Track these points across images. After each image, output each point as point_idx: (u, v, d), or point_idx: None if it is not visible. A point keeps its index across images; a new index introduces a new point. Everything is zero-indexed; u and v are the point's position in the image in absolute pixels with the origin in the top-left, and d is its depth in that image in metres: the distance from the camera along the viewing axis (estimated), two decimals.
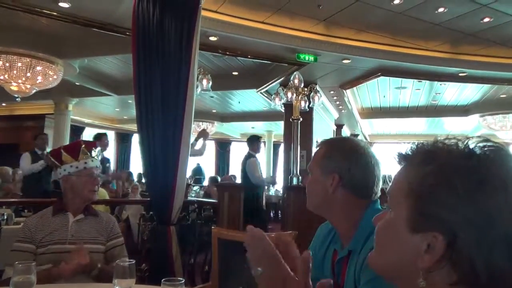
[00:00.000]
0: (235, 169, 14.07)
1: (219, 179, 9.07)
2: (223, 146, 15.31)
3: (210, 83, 5.05)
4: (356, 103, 9.57)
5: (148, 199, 3.45)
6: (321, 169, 1.29)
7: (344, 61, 6.18)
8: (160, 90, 3.10)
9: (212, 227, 2.30)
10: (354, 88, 7.97)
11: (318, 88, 6.88)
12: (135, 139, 12.98)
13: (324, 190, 1.26)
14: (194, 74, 3.18)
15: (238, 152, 14.40)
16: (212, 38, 5.34)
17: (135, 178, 9.49)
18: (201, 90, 5.00)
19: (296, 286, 0.71)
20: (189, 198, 5.79)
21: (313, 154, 1.42)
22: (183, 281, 1.27)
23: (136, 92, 3.16)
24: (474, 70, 6.51)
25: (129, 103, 9.74)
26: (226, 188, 4.21)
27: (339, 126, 11.04)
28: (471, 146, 0.64)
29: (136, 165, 12.59)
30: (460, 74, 6.75)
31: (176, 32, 3.12)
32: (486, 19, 5.08)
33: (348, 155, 1.25)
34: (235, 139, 14.83)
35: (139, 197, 6.15)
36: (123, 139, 13.92)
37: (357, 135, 12.68)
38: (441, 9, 4.86)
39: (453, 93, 8.48)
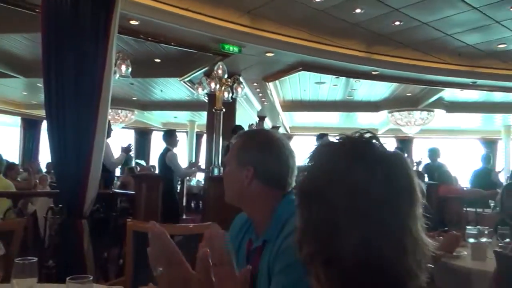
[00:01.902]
0: (156, 160, 13.70)
1: (138, 169, 8.74)
2: (143, 135, 14.75)
3: (130, 69, 4.82)
4: (278, 95, 9.79)
5: (58, 191, 3.20)
6: (237, 161, 1.29)
7: (268, 54, 6.28)
8: (73, 74, 2.88)
9: (128, 220, 2.20)
10: (277, 81, 8.15)
11: (241, 80, 6.91)
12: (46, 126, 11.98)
13: (239, 182, 1.27)
14: (111, 58, 3.00)
15: (159, 142, 13.99)
16: (133, 22, 5.09)
17: (44, 169, 8.77)
18: (119, 76, 4.75)
19: (197, 285, 0.69)
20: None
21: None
22: (91, 278, 1.19)
23: (45, 75, 2.90)
24: (385, 69, 7.00)
25: (38, 87, 8.92)
26: (143, 179, 4.05)
27: (261, 118, 11.23)
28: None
29: (46, 155, 11.65)
30: (373, 73, 7.22)
31: (92, 12, 2.91)
32: (397, 22, 5.48)
33: (262, 148, 1.27)
34: (156, 128, 14.37)
35: (48, 189, 5.70)
36: (31, 125, 12.75)
37: (278, 127, 13.01)
38: (358, 10, 5.14)
39: (366, 89, 9.06)
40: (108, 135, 4.84)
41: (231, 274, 0.73)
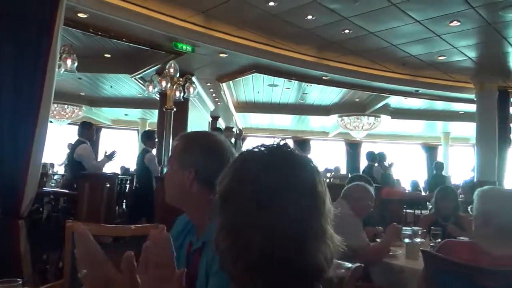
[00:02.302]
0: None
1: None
2: None
3: (76, 63, 4.64)
4: (232, 96, 9.82)
5: None
6: (179, 163, 1.30)
7: (221, 55, 6.28)
8: (12, 65, 2.72)
9: (68, 221, 2.13)
10: (231, 82, 8.17)
11: (194, 79, 6.87)
12: None
13: (181, 184, 1.28)
14: (56, 51, 2.87)
15: (108, 139, 13.54)
16: (81, 15, 4.90)
17: None
18: (65, 70, 4.56)
19: (120, 286, 0.70)
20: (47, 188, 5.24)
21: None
22: (19, 282, 1.15)
23: None
24: (335, 75, 7.24)
25: None
26: (87, 179, 3.90)
27: (214, 118, 11.20)
28: None
29: None
30: (324, 78, 7.44)
31: (36, 1, 2.78)
32: (347, 31, 5.68)
33: (205, 150, 1.28)
34: (105, 125, 13.88)
35: None
36: None
37: (231, 128, 13.02)
38: (309, 17, 5.27)
39: (318, 94, 9.31)
40: (90, 138, 4.95)
41: (172, 276, 0.75)
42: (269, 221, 0.66)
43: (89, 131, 4.98)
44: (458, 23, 5.24)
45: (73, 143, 5.01)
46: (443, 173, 7.49)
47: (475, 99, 7.59)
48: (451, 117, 10.88)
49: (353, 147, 14.13)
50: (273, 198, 0.67)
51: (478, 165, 7.31)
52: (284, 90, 9.10)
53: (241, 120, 13.18)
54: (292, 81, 7.99)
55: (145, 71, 6.93)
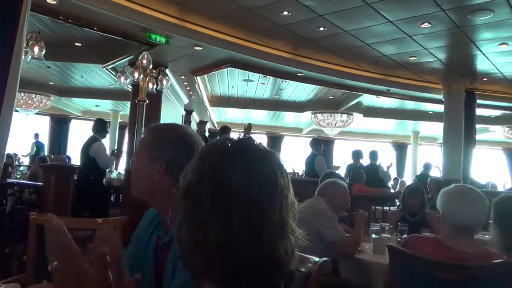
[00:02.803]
0: (74, 150, 12.87)
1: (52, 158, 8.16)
2: (60, 123, 13.77)
3: (44, 51, 4.48)
4: (207, 90, 9.74)
5: None
6: (148, 156, 1.27)
7: (196, 48, 6.21)
8: None
9: (32, 213, 2.06)
10: (205, 75, 8.10)
11: (168, 72, 6.77)
12: None
13: (150, 177, 1.25)
14: (22, 37, 2.78)
15: (78, 131, 13.19)
16: (50, 1, 4.73)
17: None
18: (32, 57, 4.40)
19: (90, 280, 0.69)
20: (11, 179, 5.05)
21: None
22: None
23: None
24: (310, 72, 7.29)
25: None
26: (53, 170, 3.78)
27: (188, 112, 11.09)
28: None
29: None
30: (299, 74, 7.48)
31: None
32: (322, 28, 5.73)
33: (176, 143, 1.26)
34: (75, 116, 13.50)
35: None
36: None
37: (206, 122, 12.94)
38: (285, 12, 5.28)
39: (293, 90, 9.36)
40: (103, 135, 5.09)
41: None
42: (228, 214, 0.67)
43: (103, 128, 5.15)
44: (429, 25, 5.37)
45: (87, 139, 5.09)
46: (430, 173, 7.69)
47: (443, 99, 7.82)
48: (421, 117, 11.18)
49: (325, 143, 14.31)
50: (233, 191, 0.68)
51: (445, 164, 7.55)
52: (259, 86, 9.10)
53: (216, 115, 13.11)
54: (267, 76, 8.00)
55: (117, 61, 6.77)
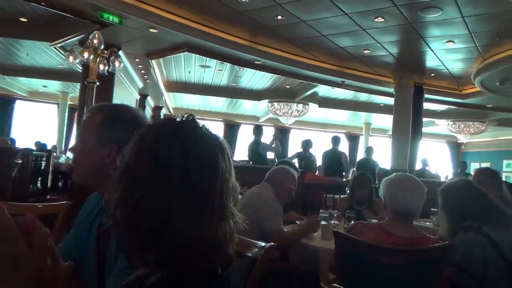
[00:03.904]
0: (20, 132, 12.17)
1: None
2: (4, 104, 12.94)
3: None
4: (162, 75, 9.51)
5: None
6: (97, 138, 1.20)
7: (151, 30, 6.02)
8: None
9: None
10: (161, 59, 7.89)
11: (121, 53, 6.53)
12: None
13: (99, 161, 1.19)
14: None
15: (24, 112, 12.46)
16: None
17: None
18: None
19: (29, 264, 0.66)
20: None
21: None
22: None
23: None
24: (267, 60, 7.30)
25: None
26: None
27: (143, 96, 10.79)
28: None
29: None
30: (256, 62, 7.47)
31: None
32: (279, 17, 5.73)
33: (130, 124, 1.17)
34: (21, 97, 12.73)
35: None
36: None
37: (161, 107, 12.67)
38: None
39: (250, 78, 9.35)
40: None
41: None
42: (165, 196, 0.65)
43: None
44: (382, 19, 5.53)
45: None
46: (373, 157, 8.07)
47: (393, 93, 8.13)
48: (373, 109, 11.56)
49: (282, 133, 14.48)
50: (171, 173, 0.66)
51: (393, 155, 7.89)
52: (217, 72, 9.01)
53: (172, 100, 12.85)
54: (225, 63, 7.92)
55: (66, 40, 6.42)
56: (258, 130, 6.87)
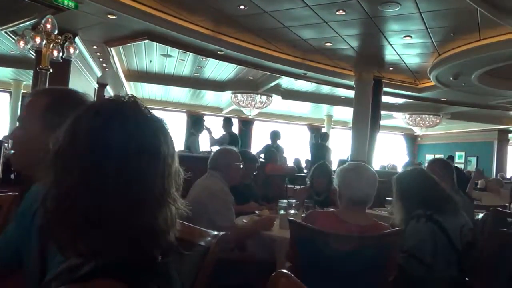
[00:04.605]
0: None
1: None
2: None
3: None
4: (122, 63, 9.23)
5: None
6: (43, 123, 1.14)
7: (109, 16, 5.80)
8: None
9: None
10: (120, 47, 7.65)
11: (78, 40, 6.28)
12: None
13: (42, 148, 1.13)
14: None
15: None
16: None
17: None
18: None
19: None
20: None
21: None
22: None
23: None
24: (230, 50, 7.24)
25: None
26: None
27: (102, 85, 10.45)
28: None
29: None
30: (219, 52, 7.40)
31: None
32: (242, 6, 5.69)
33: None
34: None
35: None
36: None
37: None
38: None
39: (213, 68, 9.25)
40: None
41: None
42: (101, 181, 0.62)
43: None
44: (344, 12, 5.61)
45: None
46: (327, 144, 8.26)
47: (354, 86, 8.30)
48: (335, 101, 11.77)
49: (245, 124, 14.50)
50: (108, 157, 0.63)
51: (353, 146, 8.08)
52: (179, 62, 8.85)
53: (133, 90, 12.52)
54: (187, 53, 7.78)
55: (18, 24, 6.06)
56: (227, 124, 6.98)
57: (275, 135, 7.37)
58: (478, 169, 7.46)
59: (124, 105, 0.69)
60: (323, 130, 10.63)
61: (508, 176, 11.10)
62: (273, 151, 6.23)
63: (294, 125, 15.83)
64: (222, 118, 7.39)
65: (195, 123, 6.90)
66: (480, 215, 3.59)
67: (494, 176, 11.16)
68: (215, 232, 1.37)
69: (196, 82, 10.72)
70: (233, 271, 2.37)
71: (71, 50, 4.99)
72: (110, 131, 0.64)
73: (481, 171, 6.72)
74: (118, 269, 0.62)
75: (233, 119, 14.59)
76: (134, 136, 0.65)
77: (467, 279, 2.19)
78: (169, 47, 7.47)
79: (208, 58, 8.07)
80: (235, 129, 14.70)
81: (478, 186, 6.74)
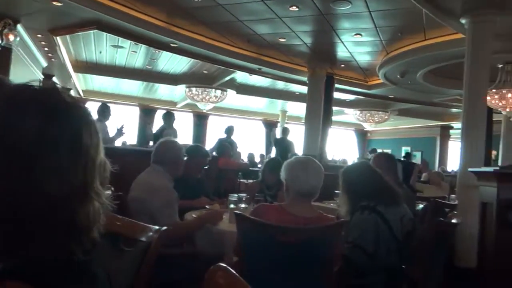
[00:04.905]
0: None
1: None
2: None
3: None
4: (70, 53, 8.81)
5: None
6: None
7: (55, 3, 5.50)
8: None
9: None
10: (67, 36, 7.29)
11: (20, 28, 5.91)
12: None
13: None
14: None
15: None
16: None
17: None
18: None
19: None
20: None
21: None
22: None
23: None
24: (184, 43, 7.12)
25: None
26: None
27: (47, 76, 9.88)
28: None
29: None
30: (172, 45, 7.25)
31: None
32: None
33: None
34: None
35: None
36: None
37: (69, 89, 11.76)
38: None
39: (167, 61, 9.06)
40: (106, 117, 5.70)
41: None
42: (10, 175, 0.58)
43: (105, 112, 5.78)
44: (297, 9, 5.68)
45: None
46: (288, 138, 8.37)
47: (307, 81, 8.45)
48: (289, 97, 11.92)
49: (200, 118, 14.35)
50: (20, 147, 0.58)
51: (305, 141, 8.24)
52: (131, 53, 8.58)
53: (82, 82, 12.01)
54: (139, 44, 7.56)
55: None
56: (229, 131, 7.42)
57: (229, 130, 7.42)
58: (424, 160, 7.85)
59: (42, 92, 0.64)
60: (285, 125, 10.80)
61: (448, 170, 11.77)
62: (226, 145, 6.22)
63: (249, 120, 15.88)
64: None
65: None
66: (421, 206, 3.78)
67: (436, 169, 11.83)
68: (157, 227, 1.34)
69: (149, 75, 10.46)
70: (180, 266, 2.34)
71: (11, 37, 4.70)
72: (23, 120, 0.59)
73: (427, 162, 7.11)
74: (29, 269, 0.57)
75: (187, 114, 14.53)
76: (51, 126, 0.61)
77: (403, 266, 2.30)
78: (120, 38, 7.21)
79: (161, 51, 7.90)
80: (190, 123, 14.59)
81: (421, 179, 7.11)
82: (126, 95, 13.42)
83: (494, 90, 6.76)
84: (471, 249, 3.57)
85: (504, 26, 4.90)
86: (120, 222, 1.46)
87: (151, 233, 1.34)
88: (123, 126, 5.46)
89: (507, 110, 7.00)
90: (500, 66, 6.78)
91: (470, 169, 3.80)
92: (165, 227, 1.34)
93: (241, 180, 5.60)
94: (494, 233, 2.41)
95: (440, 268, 2.46)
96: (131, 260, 1.33)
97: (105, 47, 8.24)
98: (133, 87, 12.18)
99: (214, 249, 2.60)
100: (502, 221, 2.38)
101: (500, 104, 6.89)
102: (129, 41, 7.43)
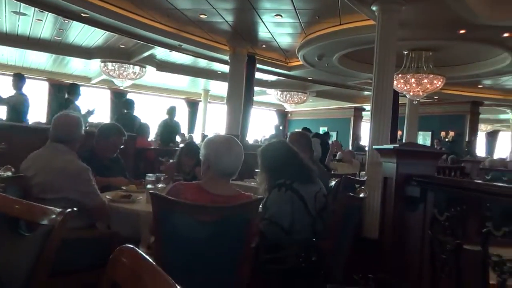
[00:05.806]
0: None
1: None
2: None
3: None
4: None
5: None
6: None
7: None
8: None
9: None
10: None
11: None
12: None
13: None
14: None
15: None
16: None
17: None
18: None
19: None
20: None
21: None
22: None
23: None
24: (96, 13, 6.60)
25: None
26: None
27: None
28: None
29: None
30: (83, 15, 6.70)
31: None
32: None
33: None
34: None
35: None
36: None
37: None
38: None
39: (78, 33, 8.39)
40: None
41: None
42: None
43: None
44: None
45: None
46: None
47: (228, 60, 8.40)
48: (211, 76, 11.77)
49: (116, 96, 13.61)
50: None
51: (227, 121, 8.24)
52: (35, 22, 7.78)
53: None
54: (45, 12, 6.88)
55: None
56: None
57: (171, 111, 7.54)
58: (335, 140, 8.30)
59: None
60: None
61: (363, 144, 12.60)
62: (147, 125, 6.00)
63: (171, 99, 15.44)
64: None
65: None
66: (333, 182, 4.01)
67: (350, 148, 12.62)
68: (59, 210, 1.24)
69: (58, 47, 9.60)
70: (93, 249, 2.23)
71: None
72: None
73: (339, 142, 7.53)
74: None
75: (104, 90, 13.69)
76: None
77: (314, 239, 2.43)
78: (22, 4, 6.49)
79: (71, 21, 7.27)
80: (107, 100, 13.76)
81: (336, 158, 7.53)
82: (33, 68, 12.23)
83: (400, 75, 7.32)
84: (375, 221, 3.90)
85: (408, 15, 5.28)
86: (19, 205, 1.33)
87: (53, 216, 1.23)
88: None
89: (411, 94, 7.64)
90: (405, 52, 7.34)
91: (374, 147, 4.16)
92: (70, 210, 1.24)
93: (162, 159, 5.46)
94: (392, 205, 2.64)
95: (349, 240, 2.63)
96: (31, 245, 1.22)
97: (4, 13, 7.37)
98: (40, 59, 11.12)
99: (131, 231, 2.52)
100: (400, 194, 2.61)
101: (405, 88, 7.50)
102: (33, 8, 6.73)
